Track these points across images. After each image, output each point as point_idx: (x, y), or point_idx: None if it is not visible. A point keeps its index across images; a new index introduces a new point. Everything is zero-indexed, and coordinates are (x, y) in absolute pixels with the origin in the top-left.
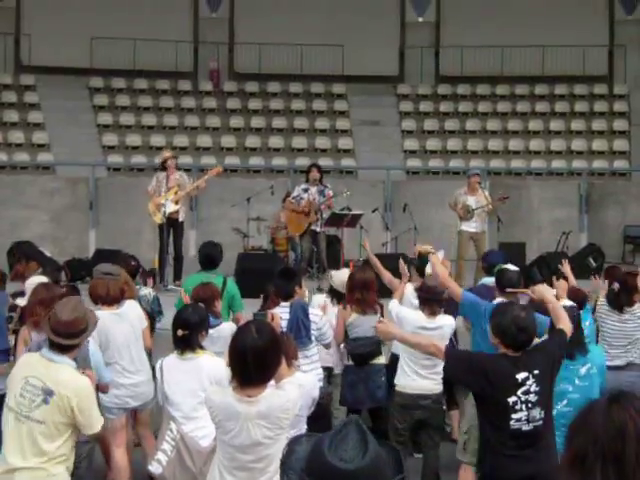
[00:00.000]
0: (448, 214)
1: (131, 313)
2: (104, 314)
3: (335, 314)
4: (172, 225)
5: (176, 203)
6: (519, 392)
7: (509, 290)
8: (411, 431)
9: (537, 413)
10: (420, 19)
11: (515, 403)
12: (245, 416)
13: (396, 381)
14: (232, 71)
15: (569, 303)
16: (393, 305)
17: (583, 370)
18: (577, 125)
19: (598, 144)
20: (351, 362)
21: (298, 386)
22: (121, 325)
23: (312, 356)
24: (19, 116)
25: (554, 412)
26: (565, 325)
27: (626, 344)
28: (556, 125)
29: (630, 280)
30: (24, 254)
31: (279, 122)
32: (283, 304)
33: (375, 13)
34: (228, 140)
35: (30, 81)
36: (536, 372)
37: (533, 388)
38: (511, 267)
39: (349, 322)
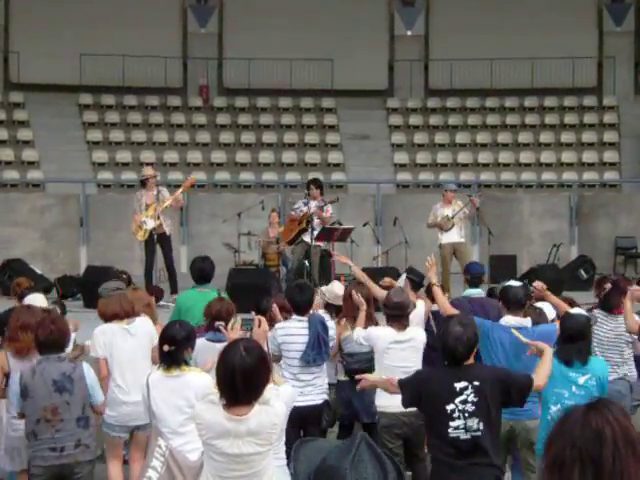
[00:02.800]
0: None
1: (142, 329)
2: (112, 327)
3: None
4: (159, 240)
5: (157, 218)
6: (457, 400)
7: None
8: (403, 447)
9: (474, 423)
10: (409, 33)
11: (453, 411)
12: (235, 434)
13: (377, 402)
14: (221, 86)
15: (581, 311)
16: (359, 332)
17: (582, 379)
18: (567, 137)
19: (588, 156)
20: (345, 377)
21: (281, 399)
22: (129, 340)
23: (322, 371)
24: (8, 134)
25: (548, 416)
26: (539, 378)
27: (619, 354)
28: (546, 137)
29: (622, 282)
30: (15, 272)
31: (269, 137)
32: (299, 318)
33: (364, 27)
34: (218, 155)
35: (19, 98)
36: (476, 383)
37: (471, 398)
38: (515, 283)
39: (344, 337)
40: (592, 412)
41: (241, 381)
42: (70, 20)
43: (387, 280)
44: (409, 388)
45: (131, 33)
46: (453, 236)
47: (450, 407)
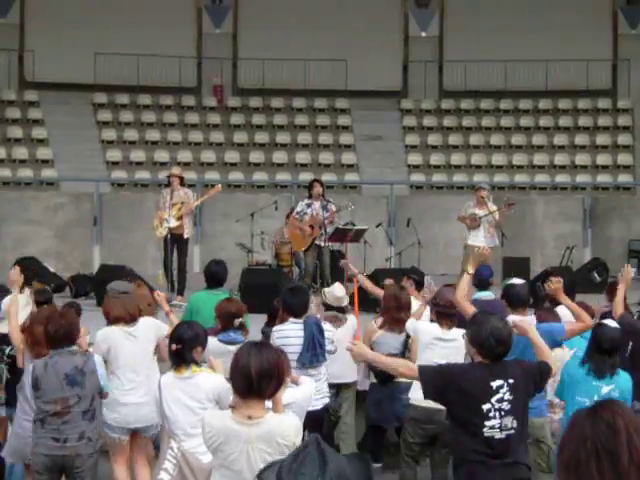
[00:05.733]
0: (452, 228)
1: (145, 330)
2: (114, 330)
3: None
4: (176, 241)
5: (179, 219)
6: (493, 399)
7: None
8: (423, 446)
9: (509, 422)
10: (423, 34)
11: (489, 410)
12: (246, 438)
13: (411, 395)
14: (236, 86)
15: (614, 323)
16: (411, 322)
17: (605, 389)
18: (581, 139)
19: (602, 158)
20: (375, 380)
21: (299, 417)
22: (132, 344)
23: (321, 374)
24: (23, 132)
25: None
26: (548, 358)
27: None
28: (560, 139)
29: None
30: (29, 270)
31: (283, 137)
32: (295, 321)
33: (378, 28)
34: (232, 155)
35: (34, 97)
36: (511, 381)
37: (507, 396)
38: (518, 281)
39: (374, 339)
40: (601, 408)
41: (256, 375)
42: (85, 19)
43: (388, 281)
44: (434, 379)
45: (146, 32)
46: (480, 239)
47: (486, 407)
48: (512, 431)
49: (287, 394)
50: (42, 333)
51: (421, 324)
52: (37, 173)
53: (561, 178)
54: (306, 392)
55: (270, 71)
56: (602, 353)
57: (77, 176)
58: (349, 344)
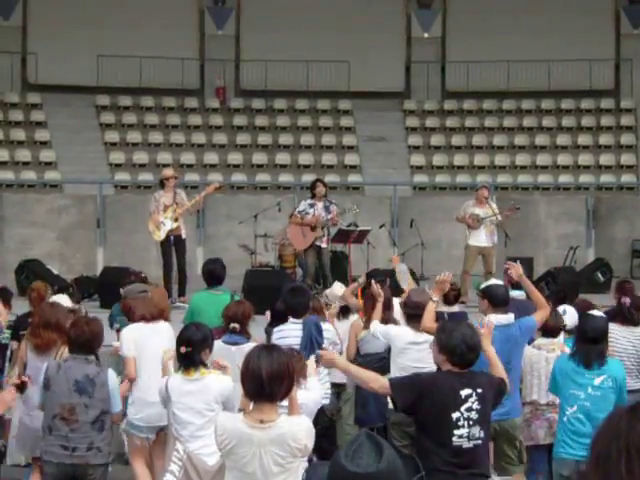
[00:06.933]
0: (455, 229)
1: (165, 332)
2: (140, 326)
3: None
4: (175, 242)
5: (175, 220)
6: (462, 408)
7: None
8: (413, 447)
9: (477, 431)
10: (426, 35)
11: (458, 419)
12: (258, 442)
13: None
14: (238, 88)
15: (599, 313)
16: (376, 326)
17: (598, 380)
18: (584, 139)
19: (605, 158)
20: None
21: (309, 419)
22: (155, 339)
23: (321, 373)
24: (26, 134)
25: (564, 418)
26: (500, 373)
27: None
28: (563, 140)
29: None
30: (32, 272)
31: (285, 139)
32: (295, 321)
33: (381, 29)
34: (235, 157)
35: (37, 99)
36: (479, 391)
37: (475, 406)
38: (498, 282)
39: (360, 338)
40: (638, 408)
41: (267, 376)
42: (87, 21)
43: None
44: (408, 390)
45: (148, 34)
46: (481, 239)
47: (456, 415)
48: (479, 441)
49: (298, 395)
50: (37, 325)
51: (393, 330)
52: (40, 175)
53: (564, 178)
54: (317, 395)
55: (273, 72)
56: (587, 342)
57: (80, 178)
58: (319, 351)
